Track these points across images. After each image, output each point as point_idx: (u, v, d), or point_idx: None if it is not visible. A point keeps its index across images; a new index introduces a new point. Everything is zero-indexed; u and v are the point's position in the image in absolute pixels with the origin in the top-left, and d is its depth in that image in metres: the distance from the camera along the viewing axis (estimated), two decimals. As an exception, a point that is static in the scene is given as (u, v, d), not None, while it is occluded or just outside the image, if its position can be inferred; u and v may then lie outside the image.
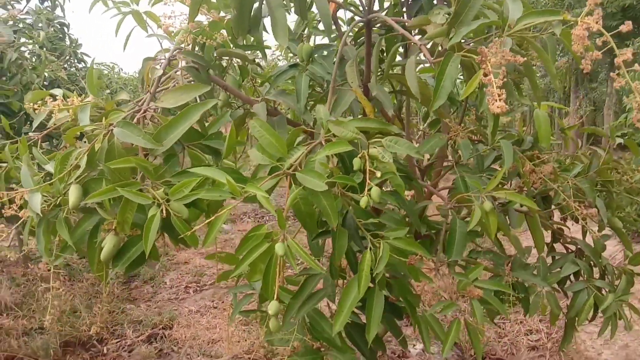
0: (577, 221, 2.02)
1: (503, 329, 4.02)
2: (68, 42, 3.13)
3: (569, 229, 2.16)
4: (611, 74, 0.93)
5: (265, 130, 1.07)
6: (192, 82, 1.17)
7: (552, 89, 11.27)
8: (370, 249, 1.12)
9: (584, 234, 2.14)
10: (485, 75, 0.90)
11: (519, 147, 2.18)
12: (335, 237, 1.11)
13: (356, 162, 1.08)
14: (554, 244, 2.20)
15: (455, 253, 1.34)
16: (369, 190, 1.05)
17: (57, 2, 3.31)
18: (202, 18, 1.33)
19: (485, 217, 1.15)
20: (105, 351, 3.69)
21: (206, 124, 1.23)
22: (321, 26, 1.62)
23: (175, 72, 1.15)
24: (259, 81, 1.65)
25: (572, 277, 2.05)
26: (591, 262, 2.00)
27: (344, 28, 1.68)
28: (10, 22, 2.60)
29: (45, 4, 3.21)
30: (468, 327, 1.24)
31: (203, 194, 1.00)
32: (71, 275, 4.93)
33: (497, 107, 0.82)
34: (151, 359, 3.51)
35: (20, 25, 2.71)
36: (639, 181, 2.26)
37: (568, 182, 2.06)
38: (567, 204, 2.09)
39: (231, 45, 1.44)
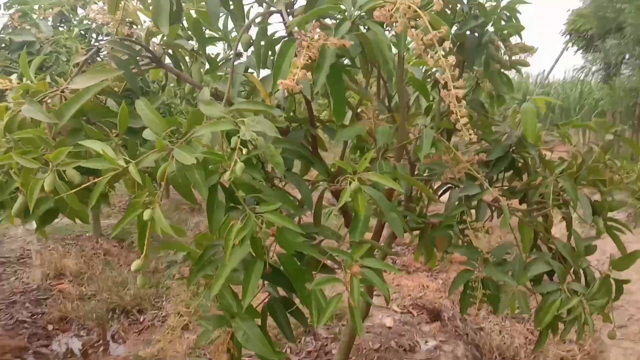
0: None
1: (535, 335, 3.85)
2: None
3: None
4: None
5: (149, 110, 1.21)
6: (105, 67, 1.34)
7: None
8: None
9: (569, 234, 2.05)
10: (311, 59, 0.96)
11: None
12: (210, 208, 1.22)
13: (233, 141, 1.18)
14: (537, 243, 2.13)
15: (359, 234, 1.38)
16: (235, 165, 1.14)
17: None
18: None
19: (354, 196, 1.19)
20: (142, 320, 4.05)
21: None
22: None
23: (85, 57, 1.32)
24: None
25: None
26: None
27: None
28: (51, 19, 2.98)
29: None
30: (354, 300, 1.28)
31: (85, 162, 1.15)
32: (131, 249, 5.42)
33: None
34: (177, 328, 3.78)
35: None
36: (633, 182, 2.11)
37: (552, 179, 1.99)
38: (545, 203, 2.02)
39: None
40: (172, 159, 1.17)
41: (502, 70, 2.05)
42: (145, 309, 4.18)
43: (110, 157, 1.14)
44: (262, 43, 1.29)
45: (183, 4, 1.54)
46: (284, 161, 1.22)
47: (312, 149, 1.69)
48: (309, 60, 0.95)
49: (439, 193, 2.11)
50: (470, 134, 0.90)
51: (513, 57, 2.12)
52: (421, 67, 2.38)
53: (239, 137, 1.14)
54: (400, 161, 1.52)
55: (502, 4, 2.07)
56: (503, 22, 2.15)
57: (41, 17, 2.93)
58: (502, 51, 2.05)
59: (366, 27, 1.03)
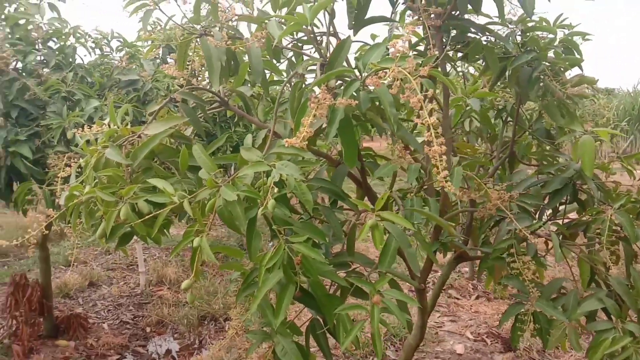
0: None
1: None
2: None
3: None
4: None
5: (203, 154, 1.44)
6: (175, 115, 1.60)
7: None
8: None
9: (628, 272, 2.00)
10: (318, 116, 1.13)
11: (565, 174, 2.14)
12: (249, 238, 1.42)
13: (269, 181, 1.38)
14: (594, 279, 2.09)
15: (386, 265, 1.51)
16: (267, 202, 1.34)
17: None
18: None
19: (372, 231, 1.33)
20: (227, 327, 4.38)
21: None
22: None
23: (159, 107, 1.60)
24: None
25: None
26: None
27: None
28: (153, 58, 3.43)
29: None
30: (372, 326, 1.40)
31: (150, 197, 1.41)
32: (223, 262, 5.86)
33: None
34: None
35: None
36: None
37: (608, 214, 1.97)
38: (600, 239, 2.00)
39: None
40: (219, 195, 1.39)
41: (565, 100, 2.04)
42: (231, 318, 4.51)
43: (168, 193, 1.39)
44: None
45: (244, 56, 1.78)
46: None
47: (361, 179, 1.85)
48: (314, 118, 1.12)
49: (491, 224, 2.16)
50: (452, 190, 1.01)
51: (575, 88, 2.12)
52: (482, 98, 2.45)
53: (271, 178, 1.33)
54: (433, 196, 1.62)
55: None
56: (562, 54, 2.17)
57: (144, 58, 3.40)
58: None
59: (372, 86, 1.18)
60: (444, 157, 0.99)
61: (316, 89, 1.24)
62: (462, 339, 3.89)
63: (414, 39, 1.95)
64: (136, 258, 6.15)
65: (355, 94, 1.17)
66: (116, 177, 1.48)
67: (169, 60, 3.98)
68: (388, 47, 1.16)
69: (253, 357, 1.83)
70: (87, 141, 1.70)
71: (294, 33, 1.70)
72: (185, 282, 1.39)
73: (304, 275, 1.49)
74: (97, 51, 3.49)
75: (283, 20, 1.45)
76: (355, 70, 1.21)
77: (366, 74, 1.18)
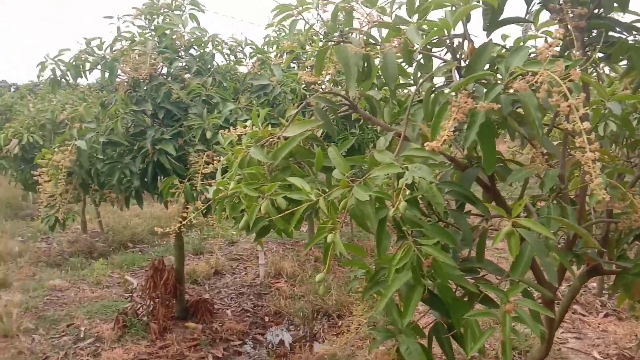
0: None
1: None
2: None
3: None
4: None
5: (337, 155, 1.52)
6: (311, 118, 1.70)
7: None
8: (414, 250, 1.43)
9: None
10: (459, 121, 1.15)
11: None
12: (379, 238, 1.47)
13: (400, 182, 1.42)
14: None
15: (520, 273, 1.48)
16: (399, 204, 1.37)
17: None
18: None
19: (507, 238, 1.31)
20: (339, 324, 4.50)
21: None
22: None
23: (296, 112, 1.70)
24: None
25: None
26: None
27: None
28: (281, 64, 3.63)
29: None
30: (504, 335, 1.38)
31: (289, 194, 1.52)
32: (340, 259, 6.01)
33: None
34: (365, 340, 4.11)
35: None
36: None
37: None
38: None
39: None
40: (351, 195, 1.45)
41: None
42: (344, 315, 4.62)
43: (306, 191, 1.48)
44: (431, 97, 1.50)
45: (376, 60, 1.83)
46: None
47: (490, 184, 1.82)
48: (457, 122, 1.13)
49: (631, 238, 2.00)
50: (606, 199, 0.97)
51: None
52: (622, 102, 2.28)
53: (404, 180, 1.36)
54: (568, 204, 1.55)
55: None
56: None
57: (274, 64, 3.60)
58: None
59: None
60: (597, 163, 0.96)
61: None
62: (588, 359, 3.62)
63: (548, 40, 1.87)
64: (256, 250, 6.53)
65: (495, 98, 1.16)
66: (258, 174, 1.60)
67: (291, 65, 4.18)
68: (532, 49, 1.14)
69: (374, 354, 1.87)
70: (230, 142, 1.86)
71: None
72: (319, 275, 1.47)
73: (430, 278, 1.51)
74: (232, 57, 3.77)
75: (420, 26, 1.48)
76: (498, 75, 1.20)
77: (509, 78, 1.17)
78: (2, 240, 6.98)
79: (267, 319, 4.71)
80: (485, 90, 1.19)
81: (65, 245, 7.16)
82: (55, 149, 3.26)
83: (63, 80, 3.54)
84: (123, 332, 4.22)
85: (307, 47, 4.08)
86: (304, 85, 3.63)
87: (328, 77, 1.73)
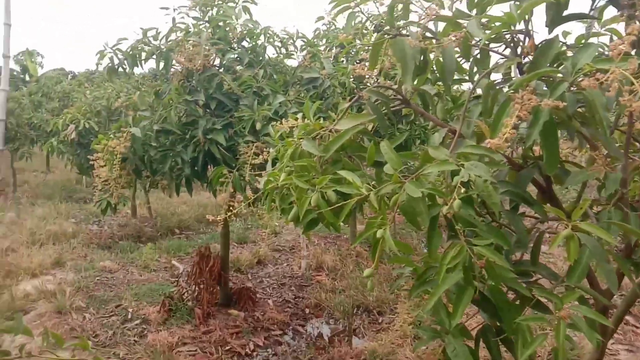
0: None
1: None
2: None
3: None
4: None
5: (389, 150, 1.50)
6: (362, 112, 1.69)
7: None
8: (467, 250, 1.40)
9: None
10: (522, 118, 1.11)
11: None
12: (430, 235, 1.44)
13: (455, 180, 1.39)
14: None
15: (576, 279, 1.42)
16: (452, 202, 1.34)
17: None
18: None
19: (566, 242, 1.26)
20: (380, 320, 4.47)
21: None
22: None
23: (348, 105, 1.69)
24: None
25: None
26: None
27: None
28: (331, 58, 3.61)
29: None
30: (557, 342, 1.33)
31: (339, 187, 1.51)
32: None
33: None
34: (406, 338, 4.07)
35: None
36: None
37: None
38: None
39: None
40: (403, 190, 1.43)
41: None
42: (384, 312, 4.60)
43: (356, 185, 1.47)
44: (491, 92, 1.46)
45: (432, 55, 1.80)
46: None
47: (546, 186, 1.76)
48: (519, 120, 1.10)
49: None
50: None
51: None
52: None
53: (459, 177, 1.33)
54: (628, 209, 1.48)
55: None
56: None
57: (324, 57, 3.60)
58: None
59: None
60: (670, 168, 0.91)
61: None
62: (643, 373, 3.46)
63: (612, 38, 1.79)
64: (298, 242, 6.58)
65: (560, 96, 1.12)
66: (309, 166, 1.61)
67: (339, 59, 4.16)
68: (604, 46, 1.09)
69: (416, 353, 1.85)
70: (280, 134, 1.87)
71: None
72: (367, 270, 1.46)
73: (481, 280, 1.47)
74: (283, 50, 3.80)
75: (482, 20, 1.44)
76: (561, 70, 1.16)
77: (575, 75, 1.12)
78: (58, 221, 7.32)
79: (307, 310, 4.75)
80: (549, 87, 1.15)
81: (115, 228, 7.44)
82: (111, 135, 3.38)
83: (120, 68, 3.65)
84: (168, 315, 4.34)
85: (357, 41, 4.07)
86: (353, 79, 3.62)
87: (378, 71, 1.70)
